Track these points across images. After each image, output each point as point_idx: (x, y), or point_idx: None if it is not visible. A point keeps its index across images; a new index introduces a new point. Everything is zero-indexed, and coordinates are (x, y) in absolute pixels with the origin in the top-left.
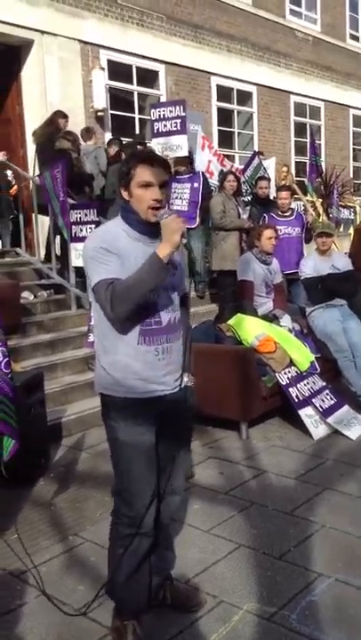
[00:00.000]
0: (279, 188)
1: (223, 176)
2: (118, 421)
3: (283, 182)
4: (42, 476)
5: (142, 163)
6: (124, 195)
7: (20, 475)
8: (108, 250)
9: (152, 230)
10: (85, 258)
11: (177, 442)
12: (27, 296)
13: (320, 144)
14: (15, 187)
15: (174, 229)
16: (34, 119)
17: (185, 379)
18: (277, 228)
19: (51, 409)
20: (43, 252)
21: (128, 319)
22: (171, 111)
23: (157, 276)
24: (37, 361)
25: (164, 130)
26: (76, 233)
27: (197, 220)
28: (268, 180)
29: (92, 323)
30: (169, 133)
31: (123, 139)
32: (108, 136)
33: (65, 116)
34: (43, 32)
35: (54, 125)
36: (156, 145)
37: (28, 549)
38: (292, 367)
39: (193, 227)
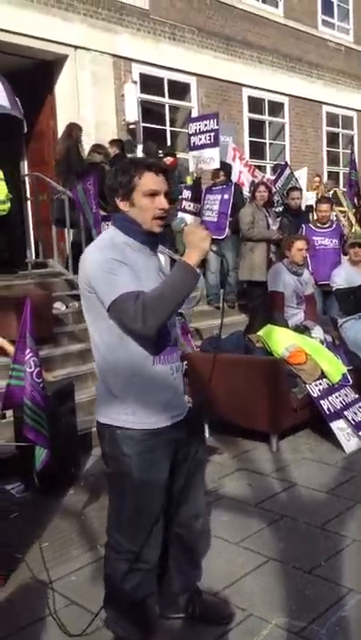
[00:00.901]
0: (319, 201)
1: (254, 187)
2: (132, 457)
3: (316, 192)
4: (72, 486)
5: (148, 170)
6: (122, 205)
7: (51, 484)
8: (120, 261)
9: (153, 241)
10: (92, 271)
11: (194, 467)
12: (59, 307)
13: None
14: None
15: (203, 236)
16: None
17: (186, 400)
18: (313, 239)
19: (81, 418)
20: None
21: (143, 337)
22: (205, 125)
23: (190, 285)
24: (68, 371)
25: (199, 143)
26: None
27: (227, 230)
28: (300, 190)
29: None
30: (203, 146)
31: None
32: (140, 148)
33: (80, 129)
34: (76, 47)
35: (73, 138)
36: (191, 158)
37: (59, 558)
38: (324, 379)
39: (222, 237)
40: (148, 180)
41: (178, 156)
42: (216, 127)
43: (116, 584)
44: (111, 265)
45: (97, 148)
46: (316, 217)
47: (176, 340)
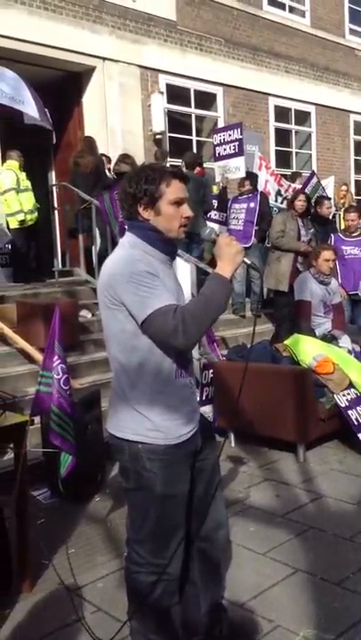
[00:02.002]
0: (347, 209)
1: (294, 195)
2: (156, 472)
3: (342, 201)
4: (98, 492)
5: (175, 178)
6: (145, 214)
7: (77, 490)
8: (152, 274)
9: (174, 251)
10: (122, 283)
11: (212, 477)
12: (85, 314)
13: None
14: None
15: (238, 250)
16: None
17: None
18: (342, 248)
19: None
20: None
21: (169, 351)
22: (230, 135)
23: (226, 298)
24: (94, 378)
25: (224, 153)
26: None
27: (252, 239)
28: (330, 199)
29: None
30: (228, 156)
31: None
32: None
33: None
34: (104, 58)
35: (96, 152)
36: (217, 168)
37: (85, 565)
38: (352, 389)
39: (248, 246)
40: (175, 189)
41: (206, 166)
42: (240, 137)
43: (140, 596)
44: (144, 278)
45: (124, 158)
46: (343, 226)
47: (191, 353)
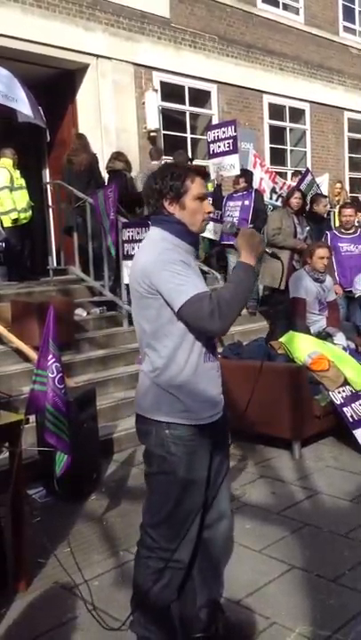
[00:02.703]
0: (343, 205)
1: (290, 192)
2: (181, 456)
3: (336, 199)
4: (94, 491)
5: (198, 175)
6: (171, 208)
7: (72, 489)
8: (186, 263)
9: (197, 243)
10: (157, 272)
11: (222, 466)
12: (80, 313)
13: None
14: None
15: (260, 240)
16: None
17: None
18: (338, 245)
19: (102, 424)
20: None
21: (201, 335)
22: (224, 132)
23: (253, 283)
24: (90, 377)
25: (218, 151)
26: (128, 251)
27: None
28: (326, 197)
29: None
30: (223, 154)
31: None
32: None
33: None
34: (98, 56)
35: (90, 150)
36: (211, 166)
37: (81, 563)
38: (347, 386)
39: None
40: (199, 185)
41: (199, 163)
42: (234, 134)
43: (146, 583)
44: (179, 266)
45: (118, 155)
46: (338, 223)
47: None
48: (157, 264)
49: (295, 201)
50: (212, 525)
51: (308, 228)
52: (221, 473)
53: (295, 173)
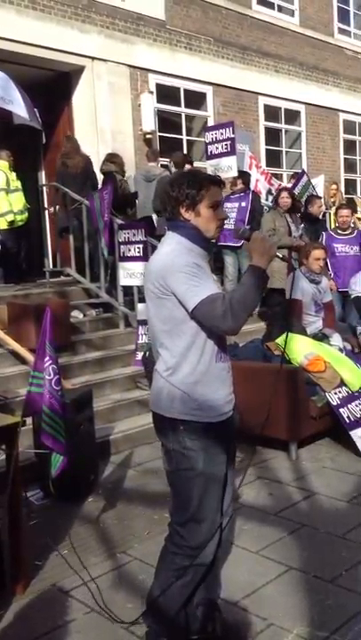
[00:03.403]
0: (340, 207)
1: (278, 193)
2: (198, 450)
3: (332, 200)
4: (91, 493)
5: (214, 184)
6: (187, 215)
7: (70, 491)
8: (200, 266)
9: (210, 248)
10: (173, 274)
11: (230, 463)
12: (76, 315)
13: None
14: None
15: (272, 244)
16: (84, 143)
17: None
18: (334, 245)
19: (99, 426)
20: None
21: (212, 336)
22: (222, 134)
23: (264, 286)
24: (86, 378)
25: (216, 152)
26: (124, 252)
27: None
28: (321, 198)
29: (139, 341)
30: (220, 155)
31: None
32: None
33: None
34: (93, 58)
35: (82, 152)
36: (209, 167)
37: (78, 565)
38: (343, 387)
39: (239, 245)
40: (213, 193)
41: (195, 165)
42: (232, 135)
43: (169, 578)
44: (194, 269)
45: (111, 157)
46: (334, 224)
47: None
48: (173, 266)
49: (283, 201)
50: None
51: (302, 226)
52: (230, 471)
53: (293, 175)
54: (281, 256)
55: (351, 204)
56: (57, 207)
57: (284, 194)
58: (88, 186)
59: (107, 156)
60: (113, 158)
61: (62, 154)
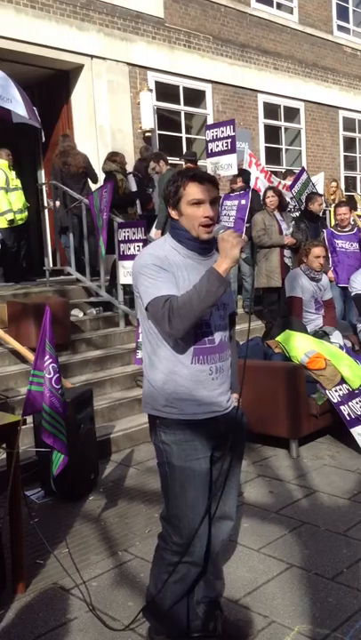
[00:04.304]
0: (338, 204)
1: (264, 193)
2: (171, 445)
3: (332, 197)
4: (91, 492)
5: (191, 181)
6: (173, 214)
7: (70, 490)
8: (160, 267)
9: (202, 247)
10: (136, 275)
11: (230, 465)
12: (76, 314)
13: None
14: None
15: (234, 244)
16: (84, 142)
17: (234, 399)
18: (336, 242)
19: (99, 425)
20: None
21: (182, 338)
22: (222, 131)
23: (217, 292)
24: (86, 377)
25: (216, 150)
26: (124, 251)
27: (243, 236)
28: (321, 195)
29: (139, 340)
30: (220, 153)
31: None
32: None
33: None
34: (92, 56)
35: (81, 152)
36: (209, 164)
37: (79, 564)
38: (344, 384)
39: None
40: (192, 190)
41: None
42: (233, 134)
43: (161, 575)
44: (151, 270)
45: (112, 156)
46: (334, 222)
47: (223, 343)
48: (135, 267)
49: (269, 200)
50: (215, 524)
51: (293, 223)
52: (232, 474)
53: (289, 172)
54: (244, 257)
55: (351, 202)
56: (57, 202)
57: (270, 193)
58: (88, 184)
59: (108, 155)
60: (114, 157)
61: (60, 152)
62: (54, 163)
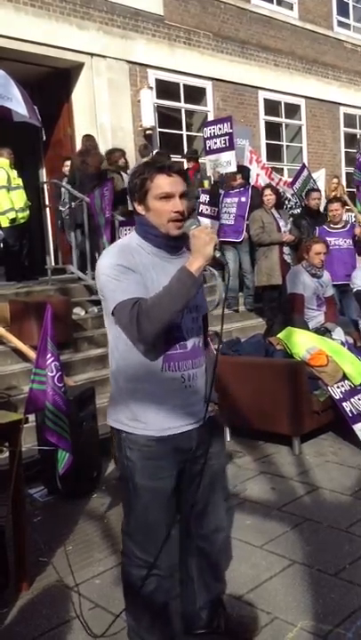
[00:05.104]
0: (330, 201)
1: (261, 190)
2: (134, 461)
3: (333, 194)
4: (94, 490)
5: (159, 173)
6: (139, 209)
7: (73, 488)
8: (126, 267)
9: (171, 245)
10: (101, 277)
11: (210, 479)
12: (78, 312)
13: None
14: None
15: (207, 241)
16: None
17: (209, 409)
18: (328, 239)
19: (102, 423)
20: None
21: (152, 343)
22: (220, 129)
23: (188, 293)
24: (88, 375)
25: (215, 147)
26: None
27: (244, 233)
28: (319, 191)
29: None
30: (219, 150)
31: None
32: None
33: None
34: (92, 54)
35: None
36: (208, 162)
37: (82, 562)
38: (346, 381)
39: (239, 240)
40: (161, 183)
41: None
42: (230, 130)
43: (132, 590)
44: (116, 271)
45: (106, 154)
46: (328, 218)
47: (197, 348)
48: (99, 268)
49: (265, 198)
50: (209, 537)
51: (291, 220)
52: (214, 486)
53: (269, 169)
54: (218, 255)
55: (341, 199)
56: (72, 203)
57: (267, 191)
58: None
59: (105, 154)
60: (108, 155)
61: (81, 151)
62: (73, 160)
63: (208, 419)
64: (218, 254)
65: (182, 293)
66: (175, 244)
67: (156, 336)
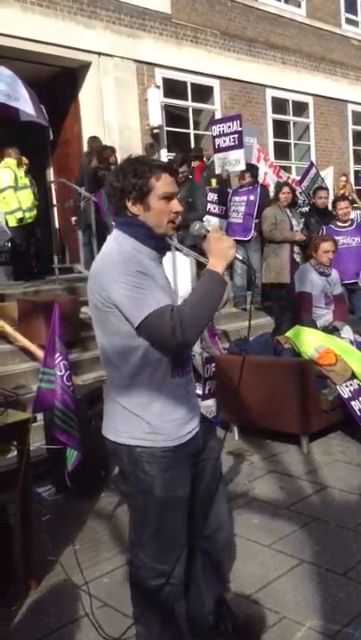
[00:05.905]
0: (337, 199)
1: (278, 187)
2: (154, 475)
3: (341, 192)
4: (102, 489)
5: (165, 172)
6: (134, 209)
7: (82, 487)
8: (144, 273)
9: (162, 247)
10: (118, 285)
11: (212, 479)
12: (86, 311)
13: None
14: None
15: (230, 244)
16: None
17: (201, 409)
18: (336, 238)
19: None
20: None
21: (178, 351)
22: (229, 127)
23: (221, 295)
24: (96, 374)
25: (223, 145)
26: None
27: (252, 232)
28: (327, 189)
29: None
30: (228, 149)
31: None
32: (164, 152)
33: None
34: (100, 54)
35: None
36: (217, 160)
37: (91, 560)
38: (355, 380)
39: (248, 239)
40: (165, 183)
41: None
42: (240, 129)
43: (145, 600)
44: (134, 278)
45: (99, 153)
46: (336, 216)
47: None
48: (113, 275)
49: (283, 196)
50: (211, 536)
51: (303, 220)
52: (214, 484)
53: (276, 167)
54: (240, 257)
55: (348, 196)
56: (81, 203)
57: (286, 189)
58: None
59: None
60: (98, 153)
61: (88, 152)
62: (82, 160)
63: (202, 418)
64: (240, 257)
65: (218, 297)
66: (165, 246)
67: (196, 341)
